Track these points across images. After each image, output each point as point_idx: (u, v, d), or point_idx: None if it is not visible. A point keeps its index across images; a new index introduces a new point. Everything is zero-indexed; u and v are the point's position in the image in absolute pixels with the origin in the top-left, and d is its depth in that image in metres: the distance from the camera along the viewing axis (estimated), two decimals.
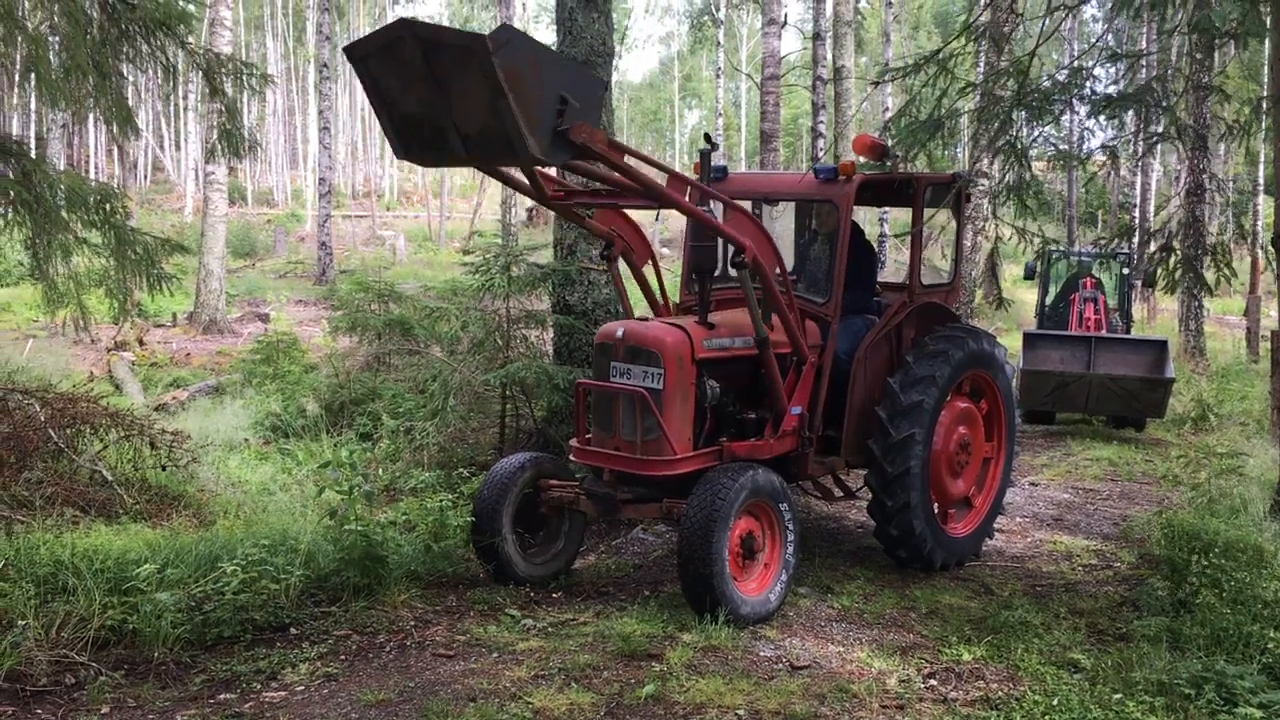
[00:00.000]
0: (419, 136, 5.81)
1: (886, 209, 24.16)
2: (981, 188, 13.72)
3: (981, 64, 23.24)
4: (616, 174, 6.20)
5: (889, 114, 22.45)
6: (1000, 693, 5.59)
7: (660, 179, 6.85)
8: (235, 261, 29.62)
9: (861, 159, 8.00)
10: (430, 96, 5.49)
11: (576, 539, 7.65)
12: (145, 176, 51.53)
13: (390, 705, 5.25)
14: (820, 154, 22.48)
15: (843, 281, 7.56)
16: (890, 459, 7.45)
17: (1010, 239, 9.73)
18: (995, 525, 8.61)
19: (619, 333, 7.01)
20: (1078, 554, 8.65)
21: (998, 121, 8.36)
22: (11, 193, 7.75)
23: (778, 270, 6.91)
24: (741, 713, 5.24)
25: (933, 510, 7.72)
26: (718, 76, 45.12)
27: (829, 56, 23.98)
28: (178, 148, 52.36)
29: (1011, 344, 20.28)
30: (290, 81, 58.45)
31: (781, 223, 8.91)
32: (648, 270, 7.87)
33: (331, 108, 31.99)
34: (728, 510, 6.33)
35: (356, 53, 5.68)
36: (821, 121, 23.17)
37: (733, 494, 6.38)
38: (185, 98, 38.00)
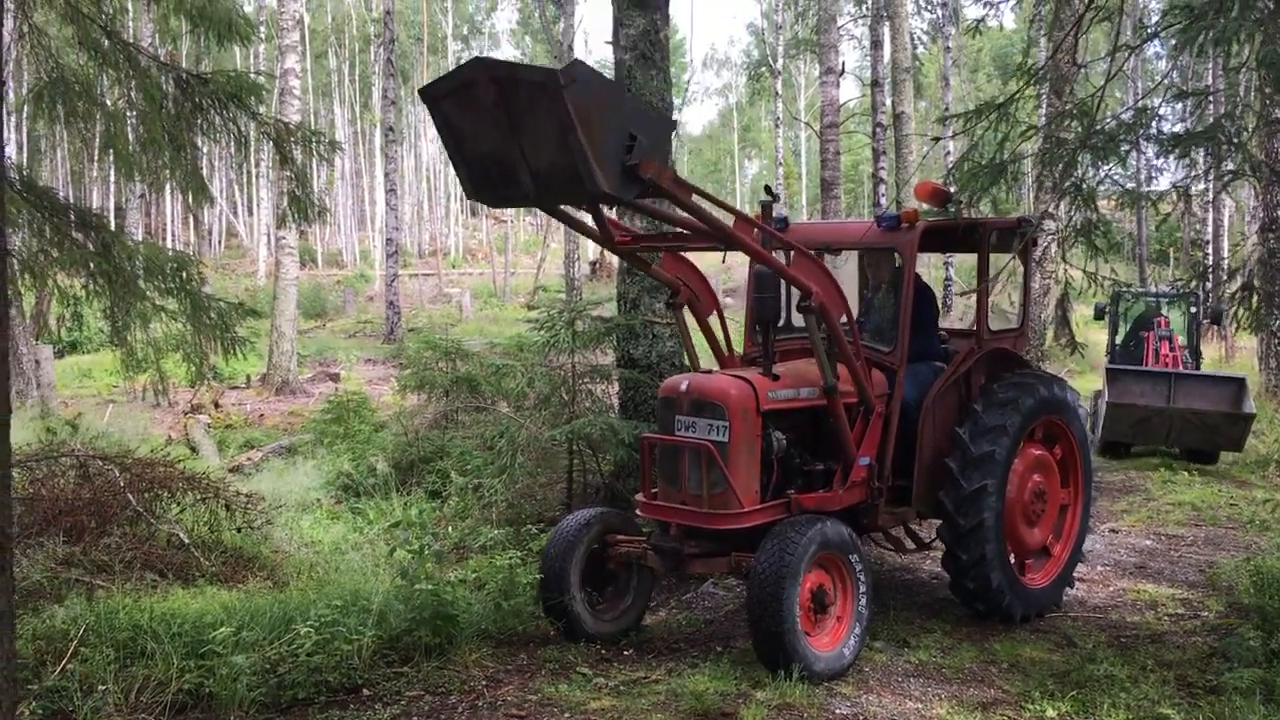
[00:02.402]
0: (489, 176, 5.90)
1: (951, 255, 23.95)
2: (1049, 230, 13.58)
3: (1044, 105, 23.09)
4: (683, 214, 6.20)
5: (951, 158, 22.37)
6: None
7: (727, 220, 6.85)
8: (306, 322, 30.18)
9: (924, 205, 7.96)
10: (502, 134, 5.59)
11: (645, 594, 7.58)
12: (220, 242, 52.93)
13: None
14: (882, 200, 22.43)
15: (909, 330, 7.48)
16: (963, 512, 7.32)
17: (1077, 283, 9.59)
18: (1075, 574, 8.39)
19: (683, 386, 6.99)
20: (1163, 603, 8.39)
21: (1063, 164, 8.28)
22: (92, 264, 7.97)
23: (844, 318, 6.87)
24: None
25: (1009, 562, 7.56)
26: (776, 126, 45.35)
27: (888, 103, 24.00)
28: (250, 213, 53.74)
29: (1084, 386, 19.96)
30: (357, 145, 59.82)
31: (845, 271, 8.86)
32: (713, 320, 7.86)
33: (397, 170, 32.66)
34: (797, 564, 6.23)
35: (431, 94, 5.82)
36: (883, 168, 23.14)
37: (802, 547, 6.29)
38: (257, 165, 39.09)
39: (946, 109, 36.45)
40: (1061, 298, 11.38)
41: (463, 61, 5.72)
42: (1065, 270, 11.24)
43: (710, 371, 7.34)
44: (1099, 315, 16.91)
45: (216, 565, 8.05)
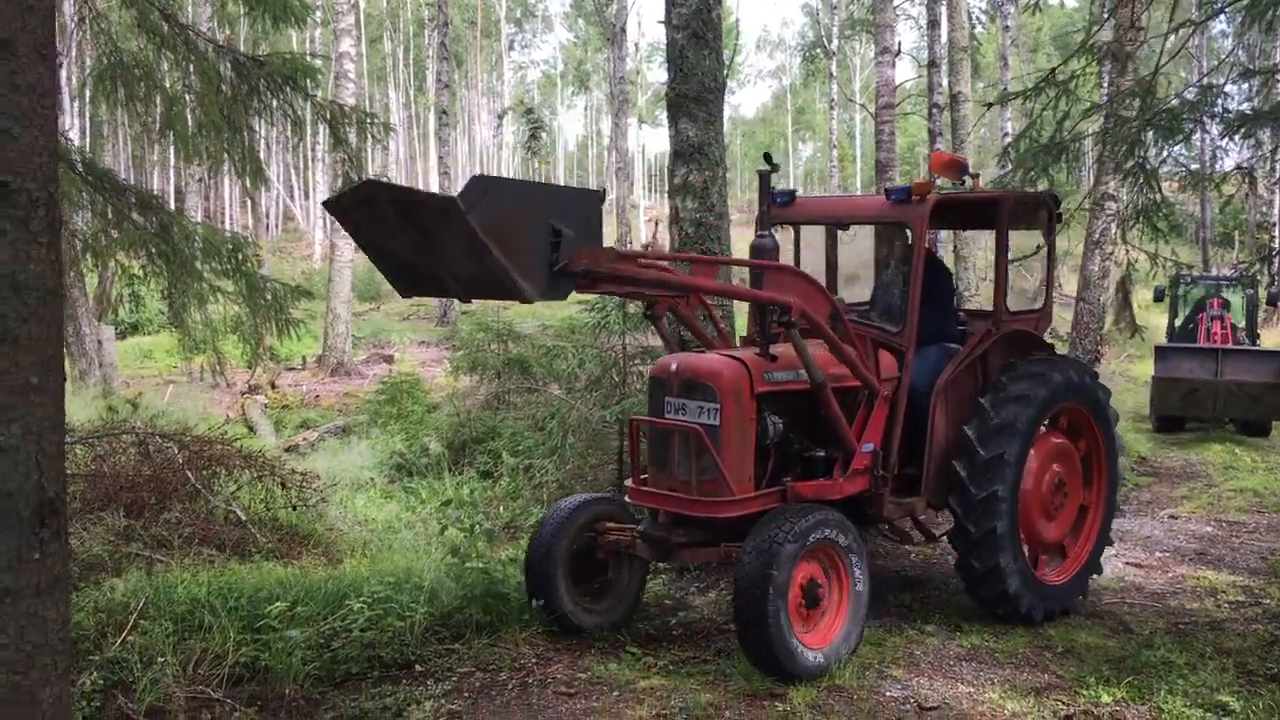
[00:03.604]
0: (415, 277, 5.54)
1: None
2: (1109, 212, 13.35)
3: (1105, 84, 22.67)
4: (630, 286, 5.91)
5: (1009, 138, 22.00)
6: None
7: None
8: (361, 305, 30.47)
9: (939, 179, 7.70)
10: (416, 245, 5.20)
11: (638, 586, 7.19)
12: (276, 226, 53.53)
13: None
14: (937, 183, 22.09)
15: (918, 309, 7.03)
16: (973, 519, 6.90)
17: (1137, 263, 9.41)
18: (1134, 560, 8.23)
19: (673, 366, 6.61)
20: (1223, 590, 8.23)
21: (1125, 143, 8.11)
22: (151, 245, 8.11)
23: (830, 311, 6.54)
24: None
25: (1027, 564, 7.15)
26: (831, 108, 44.95)
27: (944, 83, 23.65)
28: (306, 197, 54.26)
29: (1144, 371, 19.62)
30: (411, 129, 60.18)
31: (860, 246, 8.47)
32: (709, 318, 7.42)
33: (450, 153, 32.79)
34: (786, 556, 5.86)
35: (335, 205, 5.38)
36: (939, 149, 22.83)
37: (791, 539, 5.91)
38: (314, 149, 39.44)
39: (1004, 89, 35.92)
40: (1122, 280, 11.22)
41: (361, 181, 5.26)
42: (1127, 252, 11.04)
43: (704, 352, 6.96)
44: (1159, 298, 17.47)
45: (272, 541, 8.17)
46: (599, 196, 5.60)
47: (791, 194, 7.78)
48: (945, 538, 7.45)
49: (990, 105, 12.82)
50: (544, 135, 53.69)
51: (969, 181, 7.49)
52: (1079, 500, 7.65)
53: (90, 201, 8.31)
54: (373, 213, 5.17)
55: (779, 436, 6.64)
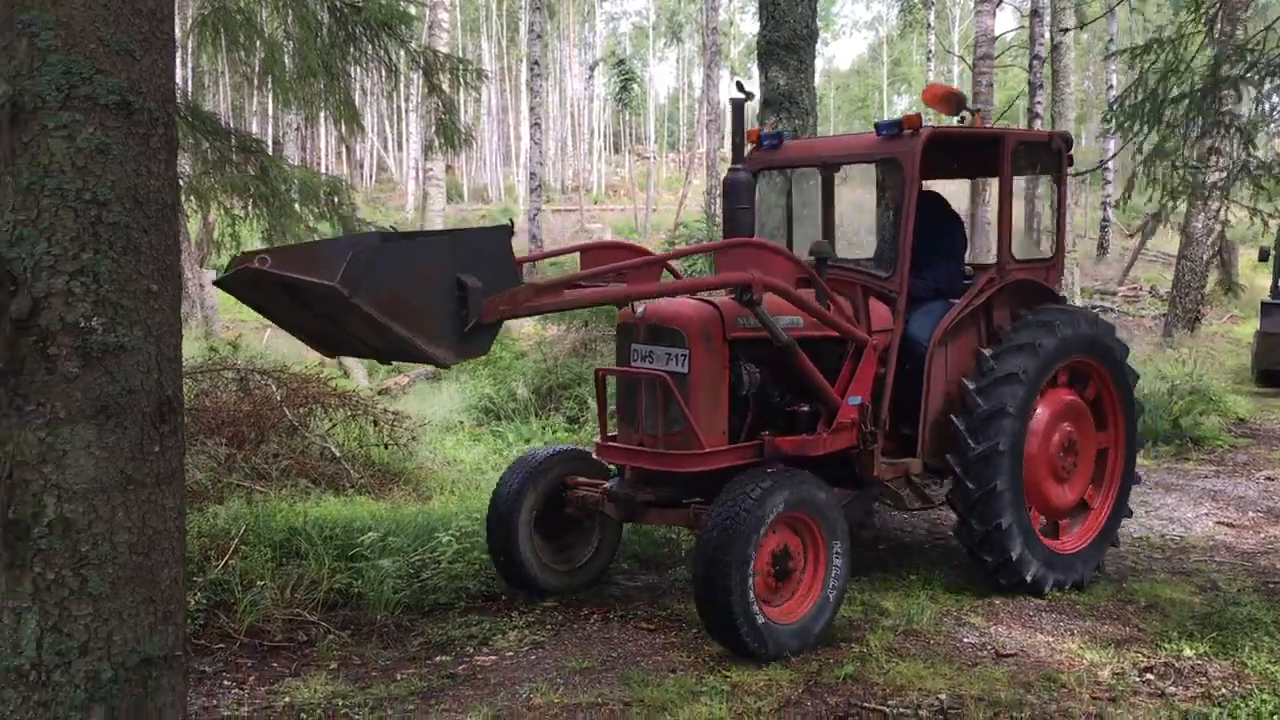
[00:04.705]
0: (330, 342, 5.17)
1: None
2: (1212, 166, 12.96)
3: (1214, 40, 21.86)
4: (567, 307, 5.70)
5: (1113, 92, 21.39)
6: (1224, 691, 5.29)
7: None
8: None
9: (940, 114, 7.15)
10: (319, 321, 4.81)
11: (610, 545, 6.82)
12: (371, 176, 54.38)
13: (593, 673, 5.42)
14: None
15: (909, 253, 6.43)
16: (973, 476, 6.39)
17: (1239, 222, 9.16)
18: (1225, 520, 8.01)
19: (640, 310, 6.09)
20: None
21: (1229, 101, 7.87)
22: (251, 188, 8.37)
23: (797, 273, 6.16)
24: (943, 696, 5.15)
25: (1032, 528, 6.63)
26: (928, 60, 44.04)
27: (1047, 34, 23.01)
28: (400, 148, 54.96)
29: (1246, 331, 19.14)
30: (503, 81, 60.43)
31: (858, 193, 8.00)
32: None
33: (542, 104, 32.91)
34: (754, 521, 5.40)
35: (227, 285, 4.65)
36: (1039, 102, 22.27)
37: (760, 501, 5.43)
38: (408, 99, 39.91)
39: (1110, 40, 34.79)
40: (1220, 236, 10.92)
41: (239, 264, 4.39)
42: (1226, 209, 10.73)
43: (676, 297, 6.31)
44: (1263, 257, 16.98)
45: (365, 477, 8.45)
46: (507, 231, 5.09)
47: (778, 136, 7.26)
48: (948, 501, 6.91)
49: (1108, 57, 12.47)
50: (635, 87, 53.45)
51: (969, 118, 6.90)
52: (1091, 465, 7.15)
53: (194, 145, 8.59)
54: (267, 293, 4.68)
55: (755, 387, 6.15)
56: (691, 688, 5.17)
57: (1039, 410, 6.73)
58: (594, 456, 6.54)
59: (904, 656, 5.63)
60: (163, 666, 2.10)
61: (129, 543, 2.03)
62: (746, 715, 4.89)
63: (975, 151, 7.22)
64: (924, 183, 7.34)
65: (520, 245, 34.34)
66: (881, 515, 8.32)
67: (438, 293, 4.62)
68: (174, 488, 2.11)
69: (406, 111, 47.07)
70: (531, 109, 31.56)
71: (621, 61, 56.01)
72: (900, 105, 75.35)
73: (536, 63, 31.60)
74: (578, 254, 6.57)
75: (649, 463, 6.04)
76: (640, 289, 5.90)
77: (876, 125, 6.66)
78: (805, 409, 6.32)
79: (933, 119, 7.49)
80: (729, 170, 6.49)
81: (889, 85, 72.45)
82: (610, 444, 6.30)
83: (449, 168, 44.10)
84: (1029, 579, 6.58)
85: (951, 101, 6.78)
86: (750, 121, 7.60)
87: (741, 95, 6.53)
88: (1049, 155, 7.19)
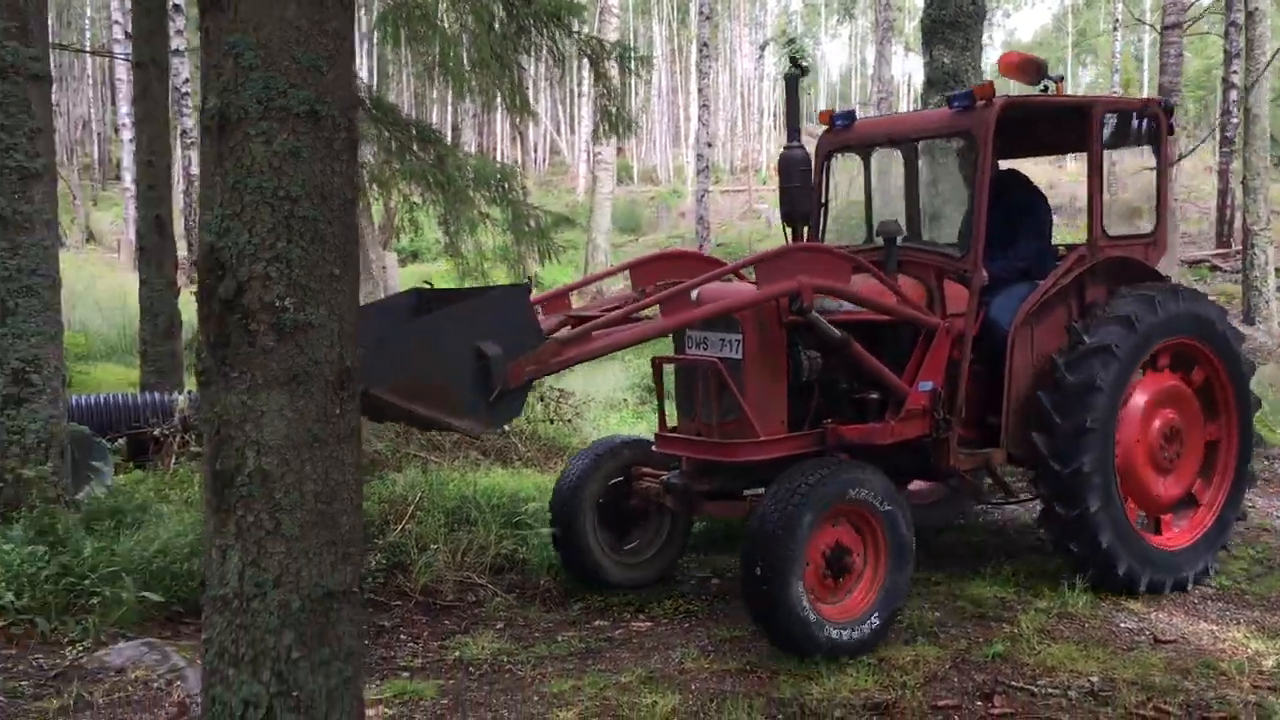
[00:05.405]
0: (375, 414, 4.86)
1: None
2: None
3: None
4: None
5: None
6: None
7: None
8: (620, 237, 31.46)
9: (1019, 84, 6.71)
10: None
11: (680, 541, 6.65)
12: (544, 160, 55.65)
13: (743, 642, 5.60)
14: (1233, 106, 20.54)
15: (983, 232, 6.03)
16: (1059, 455, 6.00)
17: None
18: None
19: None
20: None
21: None
22: (429, 175, 8.86)
23: (850, 268, 5.81)
24: (1095, 679, 5.13)
25: (1126, 517, 6.22)
26: (1115, 29, 42.20)
27: None
28: (572, 131, 56.01)
29: None
30: (674, 62, 60.79)
31: (943, 171, 7.66)
32: None
33: (711, 85, 33.05)
34: (807, 511, 5.14)
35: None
36: (1235, 71, 21.16)
37: (814, 492, 5.18)
38: (580, 84, 40.68)
39: None
40: None
41: None
42: None
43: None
44: None
45: (531, 451, 8.86)
46: (524, 290, 4.98)
47: (850, 114, 6.91)
48: (1031, 486, 6.65)
49: None
50: (805, 66, 52.93)
51: (1051, 87, 6.46)
52: (1199, 458, 6.69)
53: (376, 135, 9.15)
54: None
55: (816, 373, 5.80)
56: (839, 660, 5.29)
57: (1136, 393, 6.35)
58: (653, 449, 6.29)
59: (1056, 638, 5.62)
60: (342, 600, 2.44)
61: (314, 492, 2.38)
62: (892, 688, 4.99)
63: (1060, 123, 6.76)
64: (1007, 161, 7.15)
65: (688, 228, 34.62)
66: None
67: (458, 365, 4.52)
68: (352, 446, 2.44)
69: (579, 95, 47.91)
70: (700, 90, 31.75)
71: (792, 40, 55.56)
72: (1085, 78, 72.32)
73: (705, 44, 31.73)
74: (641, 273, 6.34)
75: (703, 453, 5.82)
76: (678, 319, 5.45)
77: (949, 98, 6.30)
78: (875, 396, 6.00)
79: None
80: (784, 149, 6.34)
81: (1074, 57, 69.62)
82: (668, 434, 6.08)
83: (620, 150, 44.75)
84: (1120, 573, 6.17)
85: (1030, 69, 6.36)
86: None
87: (797, 70, 6.40)
88: (1146, 125, 6.73)
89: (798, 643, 5.18)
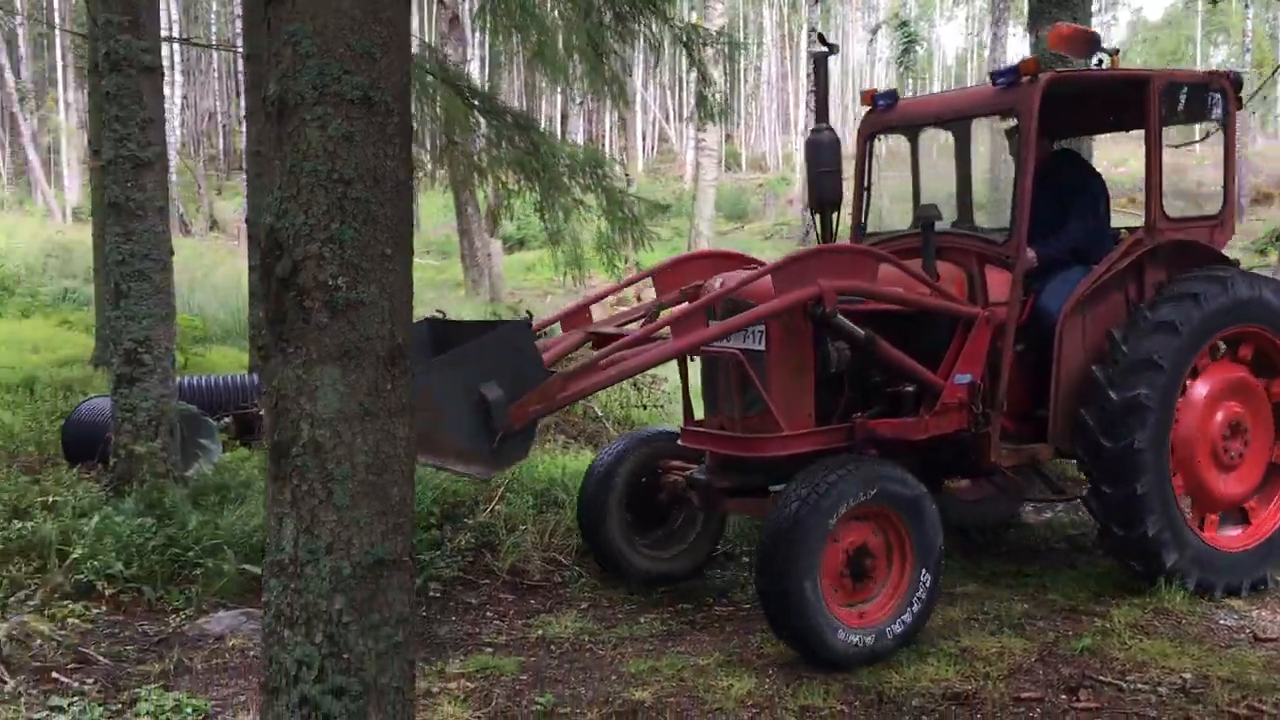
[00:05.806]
0: None
1: None
2: None
3: None
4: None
5: None
6: None
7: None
8: (726, 224, 31.42)
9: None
10: None
11: (712, 536, 6.47)
12: (652, 148, 55.78)
13: None
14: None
15: (1027, 215, 5.72)
16: (1109, 431, 5.64)
17: None
18: None
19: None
20: None
21: None
22: (524, 163, 9.00)
23: (874, 265, 5.54)
24: (1187, 676, 4.97)
25: (1186, 527, 5.85)
26: (1247, 6, 40.45)
27: None
28: (679, 118, 56.03)
29: None
30: (784, 49, 60.30)
31: (993, 152, 7.35)
32: None
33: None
34: (825, 510, 4.89)
35: None
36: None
37: (835, 491, 4.92)
38: (687, 72, 40.68)
39: None
40: None
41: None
42: None
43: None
44: None
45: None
46: (524, 326, 4.90)
47: (892, 95, 6.61)
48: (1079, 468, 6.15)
49: None
50: (918, 49, 52.03)
51: (1106, 61, 6.09)
52: (1261, 468, 6.26)
53: (475, 125, 9.33)
54: None
55: (844, 366, 5.50)
56: (922, 650, 5.24)
57: (1202, 379, 6.01)
58: (679, 443, 6.04)
59: (1150, 634, 5.46)
60: (393, 568, 2.54)
61: (365, 464, 2.47)
62: (974, 679, 4.92)
63: (1115, 99, 6.32)
64: (1060, 141, 6.86)
65: (796, 215, 34.35)
66: None
67: (457, 415, 4.49)
68: (404, 420, 2.52)
69: (686, 83, 47.92)
70: (809, 76, 31.49)
71: (904, 24, 54.62)
72: (1216, 58, 69.53)
73: (814, 29, 31.46)
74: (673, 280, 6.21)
75: (726, 447, 5.61)
76: (691, 339, 5.15)
77: (992, 74, 6.00)
78: (910, 389, 5.67)
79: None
80: (811, 131, 6.15)
81: (1204, 36, 66.99)
82: (692, 428, 5.90)
83: (729, 137, 44.63)
84: (1166, 565, 5.82)
85: (1080, 42, 6.00)
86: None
87: (824, 49, 6.18)
88: (1211, 99, 6.25)
89: (811, 648, 4.96)
